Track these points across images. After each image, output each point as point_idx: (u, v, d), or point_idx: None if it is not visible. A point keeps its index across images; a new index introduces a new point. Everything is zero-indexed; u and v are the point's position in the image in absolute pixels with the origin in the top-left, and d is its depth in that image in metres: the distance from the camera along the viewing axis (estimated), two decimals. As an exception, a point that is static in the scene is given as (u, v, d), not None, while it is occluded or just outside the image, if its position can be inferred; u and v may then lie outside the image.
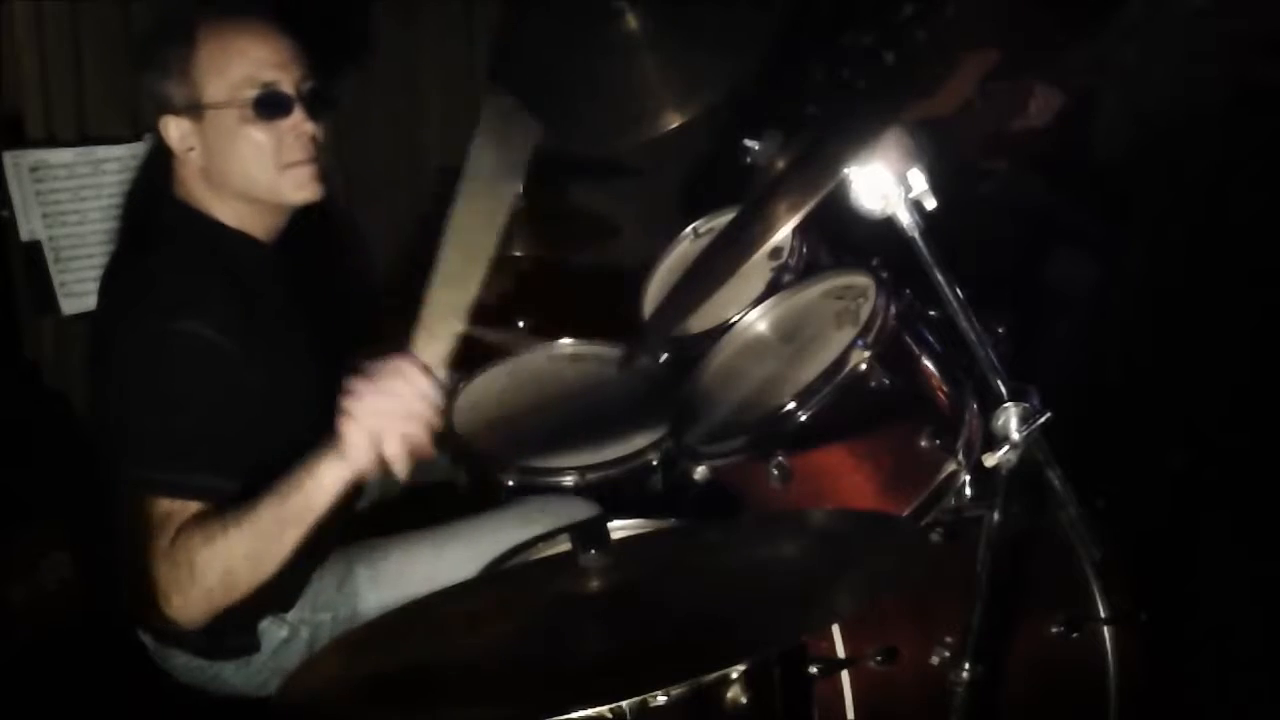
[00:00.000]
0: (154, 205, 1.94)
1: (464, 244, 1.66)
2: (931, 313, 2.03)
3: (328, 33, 1.98)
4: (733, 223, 2.13)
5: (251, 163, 1.86)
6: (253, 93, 1.84)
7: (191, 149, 1.87)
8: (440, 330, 1.66)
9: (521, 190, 1.70)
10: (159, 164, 1.94)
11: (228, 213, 1.91)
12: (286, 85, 1.87)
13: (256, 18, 1.88)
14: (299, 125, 1.88)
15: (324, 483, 1.66)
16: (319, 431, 1.93)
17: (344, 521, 1.84)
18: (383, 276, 3.31)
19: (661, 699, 1.37)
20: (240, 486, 1.74)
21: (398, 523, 2.13)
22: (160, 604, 1.68)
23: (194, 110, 1.84)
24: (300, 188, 1.91)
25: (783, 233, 1.67)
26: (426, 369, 1.64)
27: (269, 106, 1.85)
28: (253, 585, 1.69)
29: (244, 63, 1.84)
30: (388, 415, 1.63)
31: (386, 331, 2.42)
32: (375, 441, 1.63)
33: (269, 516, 1.67)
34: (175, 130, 1.86)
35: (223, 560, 1.66)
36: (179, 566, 1.66)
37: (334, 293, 2.34)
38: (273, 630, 1.97)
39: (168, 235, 1.89)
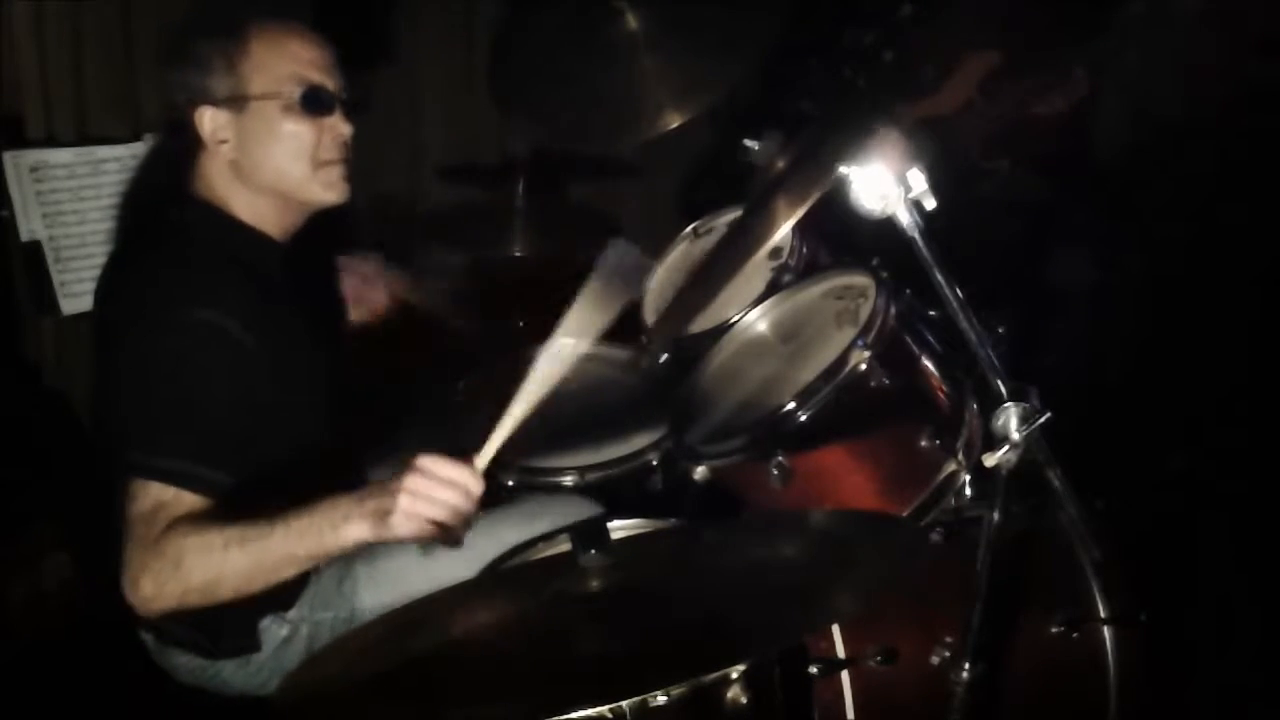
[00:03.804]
0: (165, 201, 1.95)
1: (546, 373, 1.67)
2: (931, 313, 2.03)
3: (350, 38, 2.01)
4: (734, 223, 2.13)
5: (289, 156, 1.90)
6: (300, 88, 1.89)
7: (224, 141, 1.89)
8: (498, 446, 1.67)
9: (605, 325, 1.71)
10: (169, 161, 1.96)
11: (247, 209, 1.93)
12: (330, 87, 1.92)
13: (304, 24, 1.94)
14: (337, 125, 1.93)
15: (345, 540, 1.65)
16: (322, 431, 1.93)
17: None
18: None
19: (661, 699, 1.37)
20: (237, 485, 1.74)
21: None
22: (127, 586, 1.67)
23: (236, 102, 1.87)
24: (330, 187, 1.95)
25: (783, 232, 1.66)
26: (478, 482, 1.65)
27: (314, 103, 1.90)
28: (231, 600, 1.68)
29: (293, 62, 1.89)
30: (439, 508, 1.62)
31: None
32: (415, 526, 1.62)
33: (277, 549, 1.65)
34: (210, 122, 1.88)
35: (213, 571, 1.65)
36: (164, 558, 1.65)
37: (335, 293, 2.35)
38: (273, 629, 1.97)
39: (182, 230, 1.91)
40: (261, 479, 1.78)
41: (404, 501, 1.61)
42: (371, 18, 3.24)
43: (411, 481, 1.61)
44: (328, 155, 1.93)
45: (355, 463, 2.14)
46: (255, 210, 1.93)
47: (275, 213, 1.95)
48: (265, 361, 1.81)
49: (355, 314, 2.38)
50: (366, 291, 2.40)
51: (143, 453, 1.72)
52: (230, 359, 1.78)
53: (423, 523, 1.62)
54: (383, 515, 1.62)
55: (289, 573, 1.69)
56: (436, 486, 1.62)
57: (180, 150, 1.94)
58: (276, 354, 1.84)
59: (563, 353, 1.68)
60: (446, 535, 1.65)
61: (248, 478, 1.77)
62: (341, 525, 1.64)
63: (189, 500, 1.71)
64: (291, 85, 1.88)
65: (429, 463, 1.62)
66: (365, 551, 2.04)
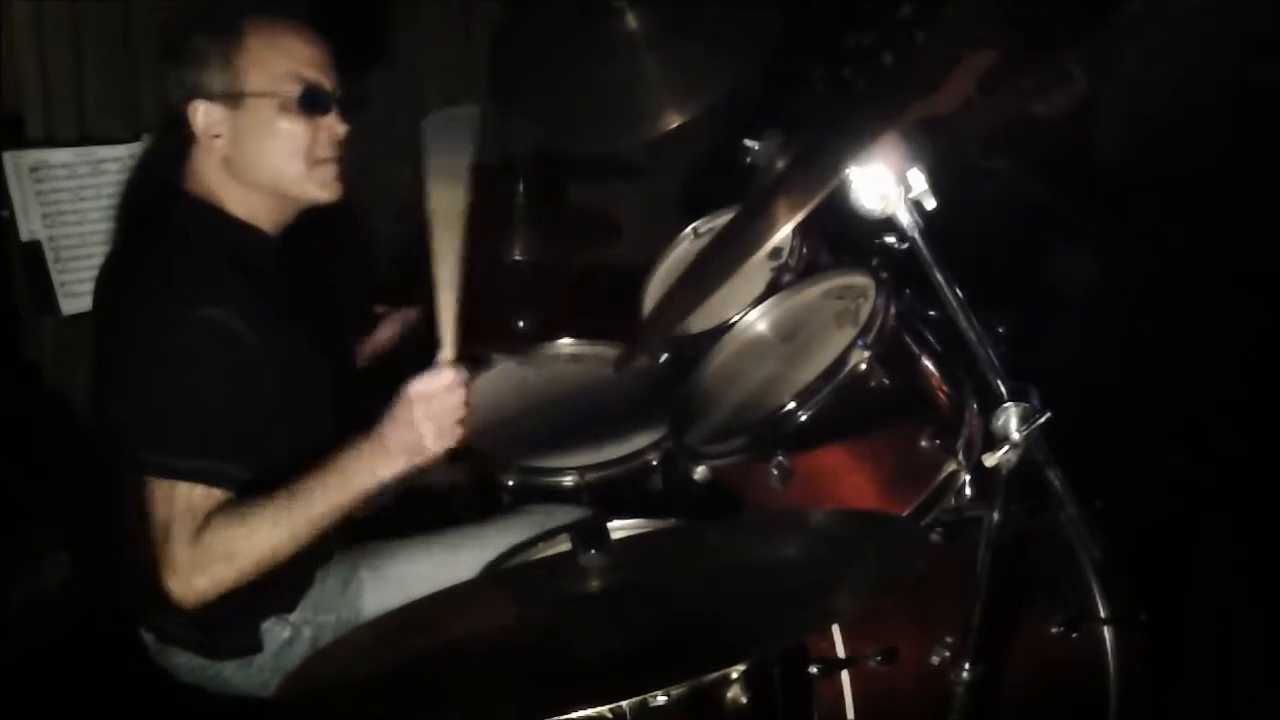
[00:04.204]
0: (161, 199, 1.95)
1: (442, 243, 1.79)
2: (931, 313, 2.03)
3: (349, 37, 2.01)
4: (733, 223, 2.13)
5: (284, 155, 1.90)
6: (296, 87, 1.88)
7: (218, 136, 1.89)
8: (452, 324, 1.74)
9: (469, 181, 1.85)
10: (163, 159, 1.96)
11: (240, 204, 1.93)
12: (327, 85, 1.92)
13: (301, 20, 1.94)
14: (333, 125, 1.94)
15: (383, 480, 1.75)
16: (324, 425, 1.94)
17: (350, 523, 1.86)
18: (382, 275, 3.32)
19: (661, 699, 1.37)
20: (255, 477, 1.77)
21: (402, 526, 2.13)
22: (178, 585, 1.71)
23: (232, 98, 1.87)
24: (325, 186, 1.95)
25: (783, 233, 1.66)
26: (461, 371, 1.75)
27: (311, 102, 1.90)
28: (282, 562, 1.75)
29: (290, 59, 1.89)
30: (454, 413, 1.73)
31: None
32: (439, 439, 1.72)
33: (318, 510, 1.74)
34: (204, 116, 1.88)
35: (265, 549, 1.72)
36: (212, 552, 1.70)
37: (333, 287, 2.35)
38: (275, 631, 1.97)
39: (179, 228, 1.91)
40: (269, 473, 1.78)
41: (428, 429, 1.71)
42: (371, 17, 3.23)
43: (421, 410, 1.71)
44: (323, 154, 1.93)
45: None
46: (248, 206, 1.93)
47: (268, 209, 1.95)
48: (268, 356, 1.82)
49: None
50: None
51: (164, 454, 1.73)
52: (237, 355, 1.79)
53: (452, 435, 1.73)
54: (415, 450, 1.73)
55: (331, 522, 1.77)
56: (441, 403, 1.71)
57: (174, 146, 1.94)
58: (278, 349, 1.84)
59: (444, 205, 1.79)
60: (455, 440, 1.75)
61: (265, 469, 1.79)
62: (377, 470, 1.74)
63: (217, 496, 1.73)
64: (289, 84, 1.88)
65: (422, 387, 1.72)
66: (370, 556, 2.05)
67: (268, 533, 1.72)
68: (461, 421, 1.74)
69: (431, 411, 1.71)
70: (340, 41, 1.97)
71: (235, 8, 1.91)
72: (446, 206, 1.78)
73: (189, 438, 1.75)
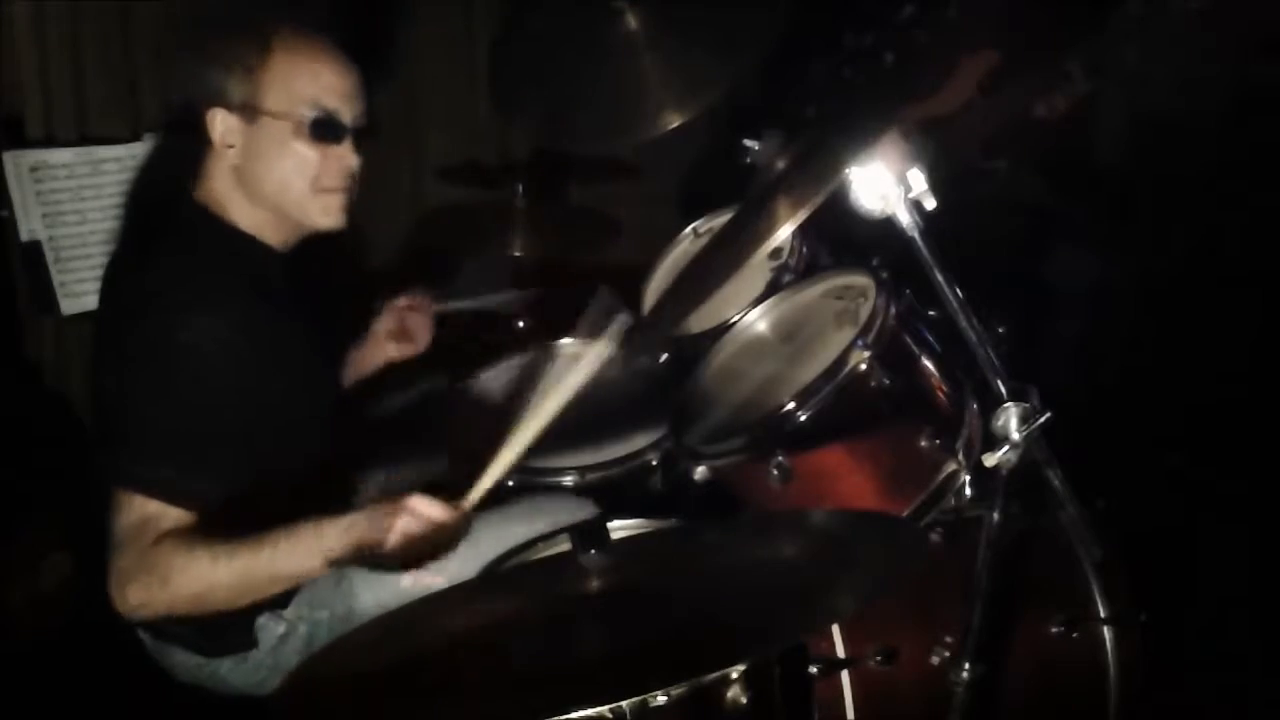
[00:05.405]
0: (167, 204, 1.94)
1: (538, 418, 1.73)
2: (931, 313, 2.03)
3: (353, 39, 1.99)
4: (733, 222, 2.13)
5: (291, 177, 1.88)
6: (313, 113, 1.86)
7: (231, 146, 1.88)
8: (490, 484, 1.74)
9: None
10: (171, 163, 1.95)
11: (246, 217, 1.92)
12: (345, 116, 1.89)
13: (331, 42, 1.91)
14: (345, 156, 1.91)
15: (329, 564, 1.71)
16: (316, 444, 1.93)
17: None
18: (380, 278, 3.31)
19: (661, 699, 1.37)
20: (230, 494, 1.75)
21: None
22: (114, 593, 1.70)
23: (249, 111, 1.85)
24: (327, 214, 1.94)
25: (783, 233, 1.66)
26: (465, 523, 1.73)
27: (325, 131, 1.87)
28: (222, 610, 1.73)
29: (313, 83, 1.86)
30: (427, 548, 1.70)
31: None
32: (403, 554, 1.69)
33: (263, 569, 1.70)
34: (221, 125, 1.87)
35: (201, 586, 1.68)
36: (152, 573, 1.68)
37: (333, 302, 2.34)
38: (270, 627, 1.96)
39: (184, 235, 1.90)
40: (257, 487, 1.78)
41: (394, 542, 1.68)
42: (372, 19, 3.23)
43: (404, 523, 1.68)
44: (330, 183, 1.91)
45: (351, 469, 2.15)
46: (253, 219, 1.92)
47: (272, 224, 1.94)
48: (262, 368, 1.81)
49: (398, 350, 2.36)
50: (411, 329, 2.38)
51: (131, 461, 1.73)
52: (229, 367, 1.78)
53: (410, 560, 1.70)
54: (371, 548, 1.68)
55: (274, 590, 1.76)
56: (426, 529, 1.68)
57: (187, 148, 1.92)
58: (274, 361, 1.83)
59: (553, 402, 1.73)
60: (418, 560, 1.72)
61: (242, 486, 1.77)
62: (328, 553, 1.70)
63: (175, 514, 1.71)
64: (305, 108, 1.85)
65: (420, 505, 1.68)
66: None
67: (207, 570, 1.67)
68: (421, 563, 1.71)
69: (411, 531, 1.68)
70: (342, 43, 1.95)
71: (265, 16, 1.88)
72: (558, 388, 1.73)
73: (157, 448, 1.73)
